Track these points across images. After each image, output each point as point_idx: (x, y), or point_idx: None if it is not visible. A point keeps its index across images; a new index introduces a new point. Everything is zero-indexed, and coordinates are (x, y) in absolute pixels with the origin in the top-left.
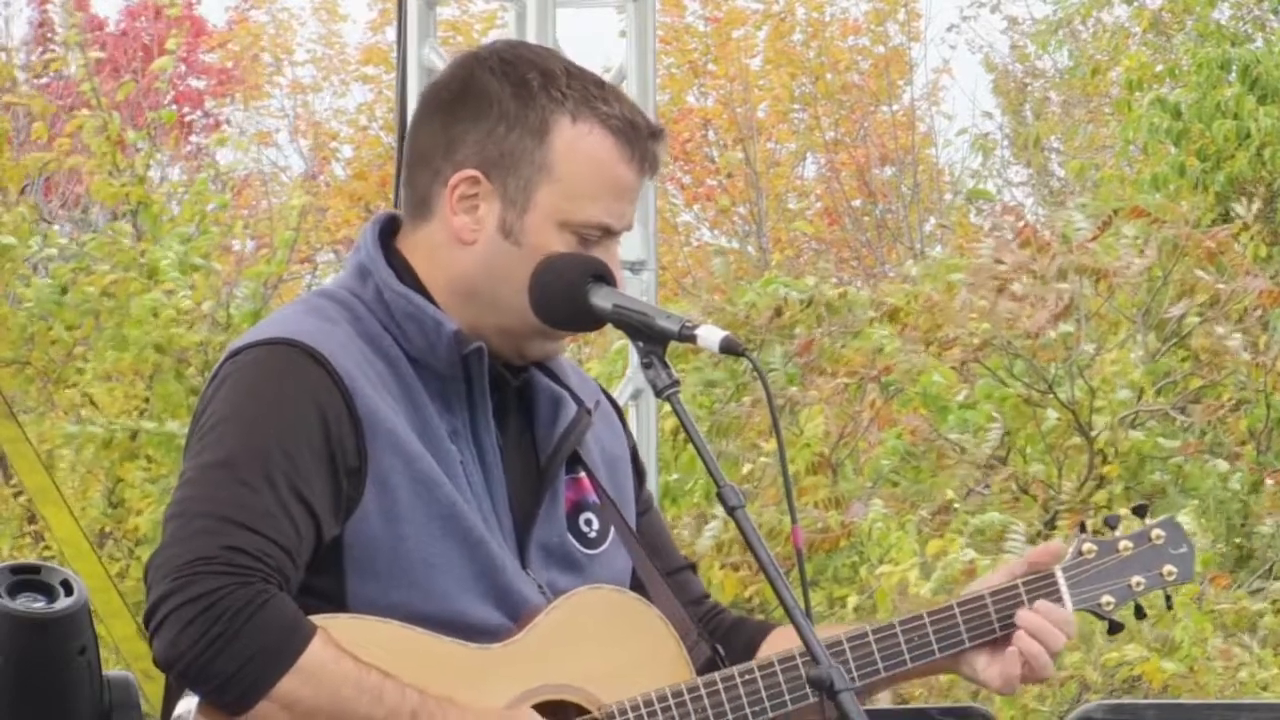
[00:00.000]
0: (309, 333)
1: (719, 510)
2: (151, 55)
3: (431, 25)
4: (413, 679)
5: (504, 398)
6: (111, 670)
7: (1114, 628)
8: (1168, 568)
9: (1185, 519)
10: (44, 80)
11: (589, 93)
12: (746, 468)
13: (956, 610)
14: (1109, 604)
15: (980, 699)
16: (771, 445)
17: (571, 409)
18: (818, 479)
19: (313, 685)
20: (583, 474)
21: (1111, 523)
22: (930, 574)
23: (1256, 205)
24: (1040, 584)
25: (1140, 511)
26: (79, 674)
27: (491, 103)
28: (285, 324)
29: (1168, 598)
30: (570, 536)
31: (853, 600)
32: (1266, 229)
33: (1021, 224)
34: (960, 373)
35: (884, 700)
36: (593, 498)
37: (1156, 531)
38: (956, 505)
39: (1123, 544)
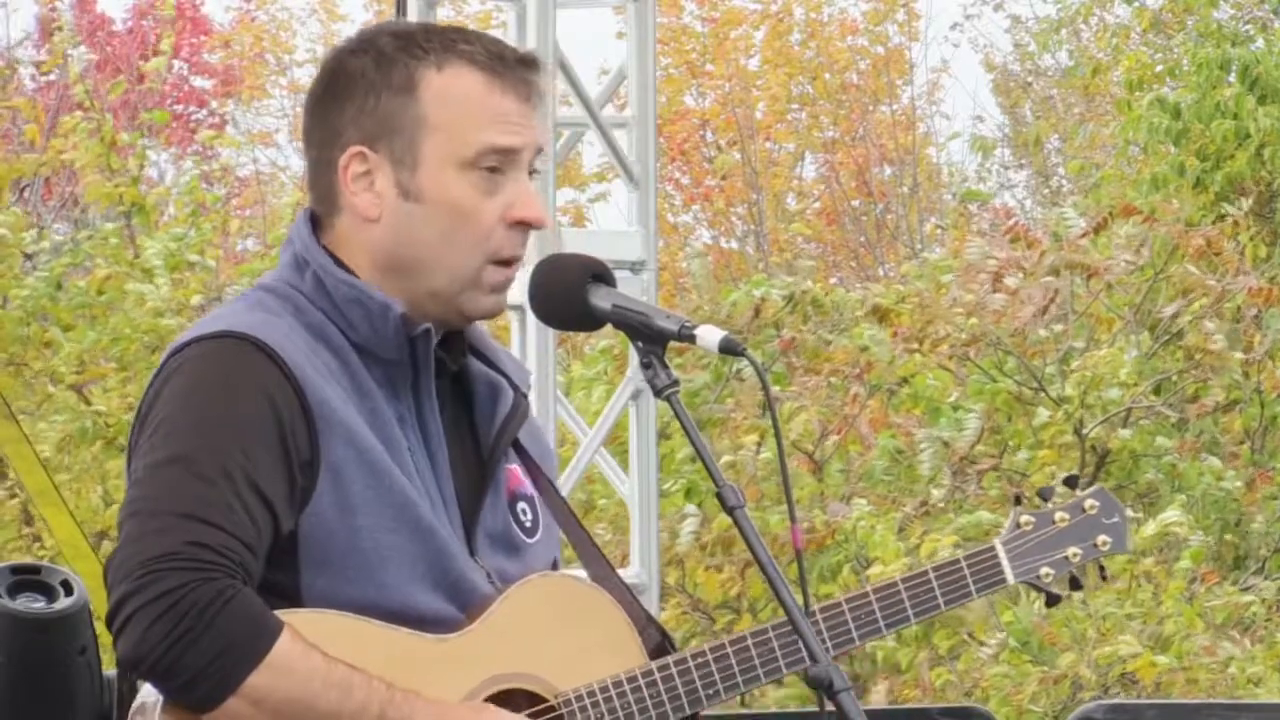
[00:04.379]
0: (254, 325)
1: (689, 508)
2: (158, 53)
3: None
4: (374, 672)
5: (442, 384)
6: (111, 670)
7: (1051, 599)
8: (1101, 537)
9: (1174, 513)
10: (51, 77)
11: (448, 39)
12: (727, 457)
13: (901, 586)
14: (1048, 576)
15: (976, 699)
16: (750, 440)
17: (509, 395)
18: (801, 473)
19: (281, 680)
20: (516, 464)
21: (1045, 494)
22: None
23: (1248, 203)
24: (981, 557)
25: (1071, 482)
26: (79, 674)
27: (356, 79)
28: (228, 318)
29: (1101, 568)
30: (513, 523)
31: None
32: (1265, 229)
33: (1012, 221)
34: (953, 372)
35: (882, 700)
36: (526, 489)
37: (1090, 502)
38: (939, 503)
39: (1058, 515)
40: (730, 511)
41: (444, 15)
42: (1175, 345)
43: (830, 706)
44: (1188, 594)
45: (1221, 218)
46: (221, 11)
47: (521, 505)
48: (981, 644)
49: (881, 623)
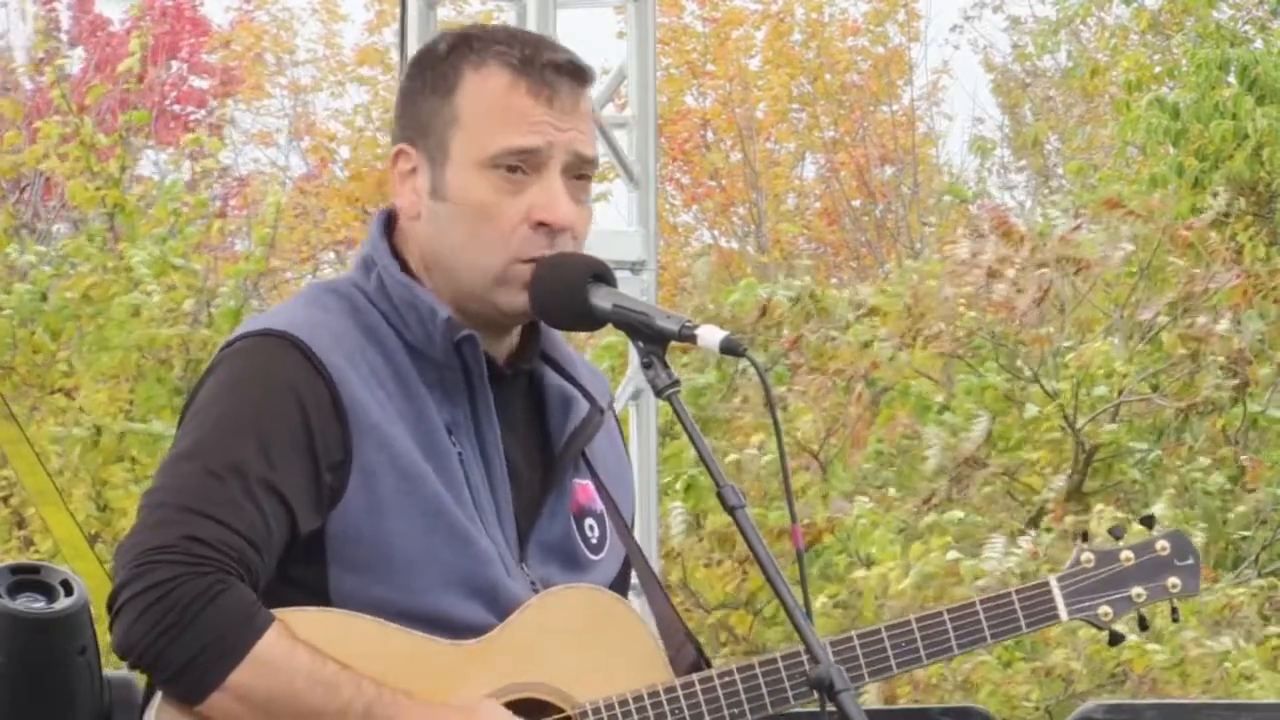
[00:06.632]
0: (300, 324)
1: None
2: (157, 55)
3: (432, 26)
4: (376, 674)
5: (511, 391)
6: (111, 670)
7: (1114, 639)
8: (1171, 580)
9: (1160, 509)
10: (45, 79)
11: (492, 39)
12: (732, 456)
13: (946, 616)
14: (1106, 614)
15: (972, 698)
16: (755, 440)
17: (583, 408)
18: (805, 476)
19: (266, 677)
20: (589, 480)
21: (1117, 533)
22: (911, 572)
23: (1241, 202)
24: (1033, 592)
25: (1148, 522)
26: (79, 674)
27: (411, 79)
28: (278, 316)
29: (1174, 610)
30: (576, 536)
31: (840, 596)
32: (1265, 229)
33: (996, 220)
34: (943, 372)
35: (877, 700)
36: (597, 505)
37: (1161, 543)
38: (935, 502)
39: (1124, 554)
40: (731, 511)
41: (444, 15)
42: (1158, 341)
43: (831, 707)
44: None
45: (1226, 217)
46: (221, 12)
47: (590, 521)
48: None
49: (923, 652)
